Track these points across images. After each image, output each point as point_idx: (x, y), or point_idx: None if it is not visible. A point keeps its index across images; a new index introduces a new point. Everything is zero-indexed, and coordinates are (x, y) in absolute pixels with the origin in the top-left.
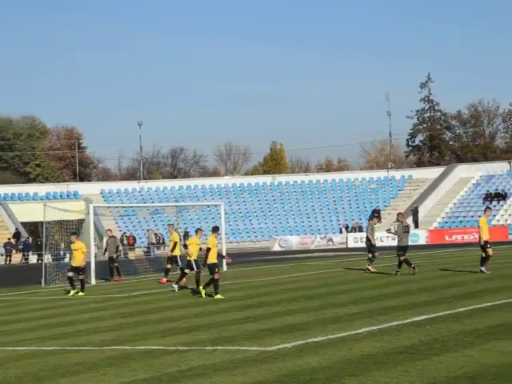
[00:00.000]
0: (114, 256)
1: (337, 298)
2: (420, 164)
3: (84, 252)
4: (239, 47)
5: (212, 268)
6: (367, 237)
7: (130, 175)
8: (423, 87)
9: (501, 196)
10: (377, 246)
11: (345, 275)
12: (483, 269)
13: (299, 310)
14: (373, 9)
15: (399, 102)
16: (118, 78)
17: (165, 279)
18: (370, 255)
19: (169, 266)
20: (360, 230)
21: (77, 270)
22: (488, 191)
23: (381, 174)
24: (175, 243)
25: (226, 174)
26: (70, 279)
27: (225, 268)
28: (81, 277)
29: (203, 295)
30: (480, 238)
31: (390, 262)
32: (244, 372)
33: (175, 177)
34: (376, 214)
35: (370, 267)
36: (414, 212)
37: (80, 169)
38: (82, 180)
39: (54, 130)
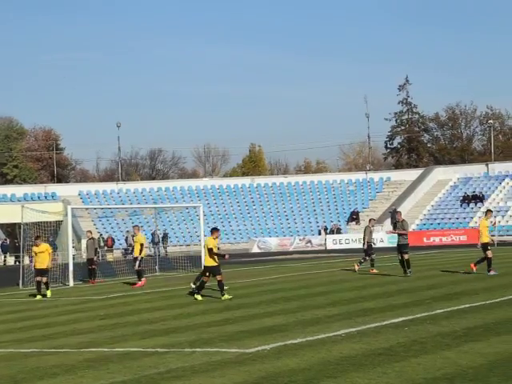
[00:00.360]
0: (94, 258)
1: (316, 300)
2: (398, 166)
3: (50, 253)
4: (218, 50)
5: (214, 270)
6: (368, 242)
7: (108, 177)
8: (401, 89)
9: (478, 198)
10: (373, 247)
11: (324, 277)
12: (491, 273)
13: (278, 312)
14: (351, 12)
15: (377, 104)
16: (96, 79)
17: (140, 282)
18: (368, 257)
19: (137, 268)
20: (338, 231)
21: (45, 272)
22: (465, 193)
23: (359, 175)
24: (141, 245)
25: (205, 176)
26: (39, 283)
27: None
28: (45, 279)
29: (199, 298)
30: (479, 240)
31: (390, 263)
32: (223, 374)
33: (154, 178)
34: (354, 217)
35: (356, 267)
36: (393, 214)
37: (58, 170)
38: (59, 181)
39: (32, 131)
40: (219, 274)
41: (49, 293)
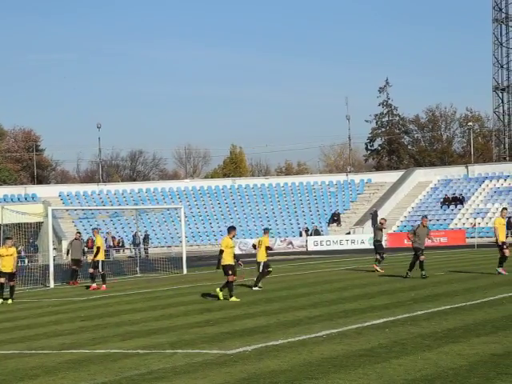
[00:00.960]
0: (81, 258)
1: (297, 301)
2: (379, 168)
3: (15, 257)
4: (200, 51)
5: (226, 270)
6: (377, 239)
7: (89, 178)
8: (382, 91)
9: (458, 200)
10: (384, 247)
11: (305, 278)
12: (500, 270)
13: (259, 313)
14: (332, 14)
15: (358, 106)
16: (76, 79)
17: (94, 284)
18: (378, 256)
19: (91, 271)
20: (317, 233)
21: (13, 276)
22: (446, 195)
23: (340, 177)
24: (98, 248)
25: (186, 177)
26: (2, 286)
27: (185, 271)
28: (12, 283)
29: (221, 297)
30: (496, 239)
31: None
32: (204, 375)
33: (134, 180)
34: (335, 218)
35: (377, 268)
36: (374, 216)
37: (38, 171)
38: (40, 183)
39: (11, 132)
40: (231, 275)
41: (10, 301)
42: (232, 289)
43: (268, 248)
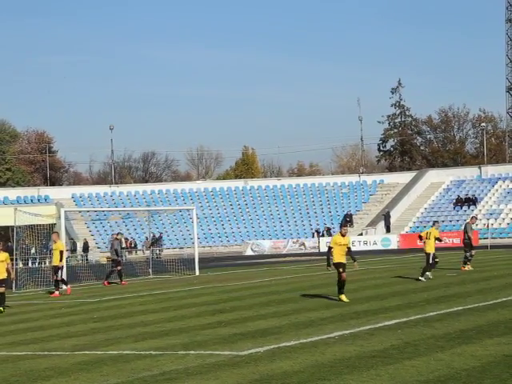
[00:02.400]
0: (119, 259)
1: (309, 303)
2: (391, 169)
3: (8, 263)
4: (212, 52)
5: (336, 268)
6: (468, 237)
7: (102, 179)
8: (394, 92)
9: (471, 201)
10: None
11: (317, 280)
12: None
13: (272, 315)
14: (345, 15)
15: (370, 107)
16: (89, 81)
17: (57, 292)
18: (468, 254)
19: (61, 277)
20: (329, 233)
21: (4, 282)
22: (458, 196)
23: (352, 178)
24: (61, 252)
25: (198, 179)
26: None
27: (197, 272)
28: (2, 289)
29: (346, 300)
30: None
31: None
32: (216, 376)
33: (147, 181)
34: (347, 219)
35: (467, 267)
36: (386, 216)
37: (51, 173)
38: (52, 184)
39: (25, 134)
40: (342, 273)
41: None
42: (342, 287)
43: (438, 239)
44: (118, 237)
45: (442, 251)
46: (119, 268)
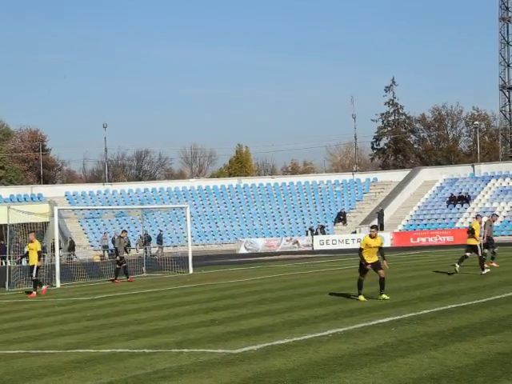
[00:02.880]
0: (124, 256)
1: (303, 301)
2: (385, 167)
3: None
4: (205, 51)
5: (373, 268)
6: (487, 236)
7: (95, 177)
8: (388, 91)
9: (464, 199)
10: (494, 242)
11: (311, 278)
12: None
13: (265, 313)
14: (337, 13)
15: (364, 105)
16: (82, 80)
17: (34, 293)
18: (490, 251)
19: (38, 277)
20: (323, 231)
21: None
22: (452, 194)
23: (346, 176)
24: (38, 252)
25: (192, 177)
26: None
27: (191, 271)
28: None
29: (386, 297)
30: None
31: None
32: (210, 374)
33: (140, 179)
34: (341, 217)
35: (493, 264)
36: (380, 215)
37: (44, 171)
38: (46, 182)
39: (18, 132)
40: (381, 270)
41: None
42: (383, 286)
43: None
44: (122, 235)
45: (435, 249)
46: (123, 265)
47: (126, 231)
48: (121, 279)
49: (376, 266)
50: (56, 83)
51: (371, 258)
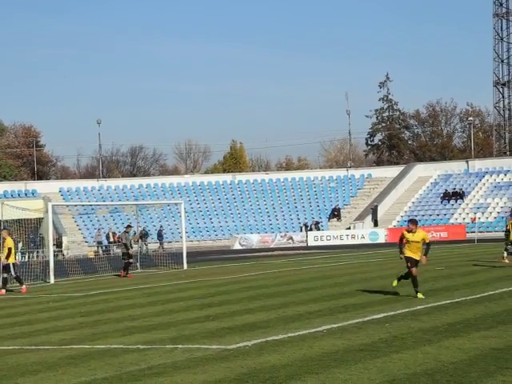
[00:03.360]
0: (130, 251)
1: (297, 297)
2: (379, 163)
3: None
4: (198, 47)
5: (406, 262)
6: (508, 230)
7: (89, 173)
8: (382, 87)
9: (458, 195)
10: None
11: (305, 273)
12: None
13: (259, 309)
14: (332, 9)
15: (358, 101)
16: (76, 75)
17: (3, 290)
18: (510, 246)
19: (5, 275)
20: (317, 227)
21: None
22: (446, 190)
23: (340, 172)
24: (9, 249)
25: (186, 173)
26: None
27: (185, 267)
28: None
29: (394, 284)
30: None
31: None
32: (204, 370)
33: (135, 175)
34: (335, 213)
35: (506, 260)
36: (374, 210)
37: (38, 167)
38: (40, 178)
39: (12, 128)
40: (412, 268)
41: None
42: (416, 284)
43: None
44: (128, 230)
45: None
46: (130, 260)
47: (130, 226)
48: (130, 273)
49: (412, 262)
50: (50, 79)
51: (409, 252)
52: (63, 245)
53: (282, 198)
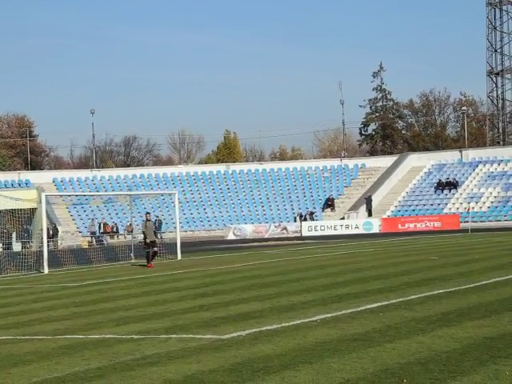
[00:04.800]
0: (156, 240)
1: (291, 286)
2: (373, 153)
3: None
4: (192, 36)
5: None
6: None
7: (83, 164)
8: (375, 76)
9: (452, 185)
10: None
11: (299, 264)
12: None
13: (253, 299)
14: None
15: (352, 91)
16: (69, 64)
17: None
18: None
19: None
20: (312, 217)
21: None
22: (440, 180)
23: (334, 162)
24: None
25: (180, 163)
26: None
27: (179, 257)
28: None
29: None
30: None
31: None
32: (198, 360)
33: (128, 165)
34: (329, 203)
35: None
36: (368, 201)
37: (31, 157)
38: (33, 168)
39: (5, 118)
40: None
41: None
42: None
43: None
44: (148, 217)
45: (423, 235)
46: (155, 249)
47: (149, 213)
48: (151, 263)
49: None
50: (43, 69)
51: None
52: (58, 235)
53: (276, 188)
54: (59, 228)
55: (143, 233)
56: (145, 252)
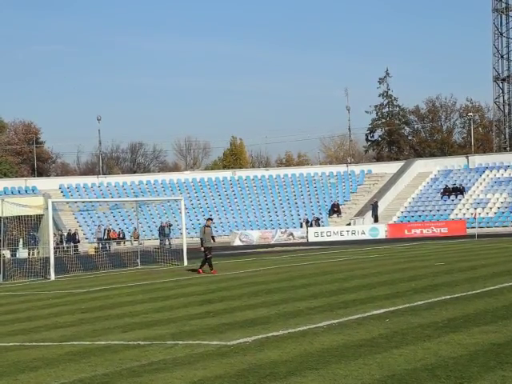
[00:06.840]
0: (203, 247)
1: (297, 293)
2: (379, 159)
3: None
4: (198, 43)
5: None
6: None
7: (89, 170)
8: (382, 82)
9: (458, 190)
10: None
11: (305, 270)
12: None
13: (260, 305)
14: (332, 4)
15: (358, 97)
16: (76, 72)
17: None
18: None
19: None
20: (318, 223)
21: None
22: (446, 186)
23: (340, 168)
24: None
25: (186, 169)
26: None
27: (185, 263)
28: None
29: None
30: None
31: None
32: (205, 366)
33: (135, 172)
34: (335, 209)
35: None
36: (374, 206)
37: (38, 164)
38: (40, 175)
39: (12, 125)
40: None
41: None
42: None
43: None
44: (208, 223)
45: (429, 241)
46: (209, 256)
47: (211, 219)
48: (204, 271)
49: None
50: (50, 76)
51: None
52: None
53: (282, 194)
54: (77, 232)
55: (200, 239)
56: (206, 258)
